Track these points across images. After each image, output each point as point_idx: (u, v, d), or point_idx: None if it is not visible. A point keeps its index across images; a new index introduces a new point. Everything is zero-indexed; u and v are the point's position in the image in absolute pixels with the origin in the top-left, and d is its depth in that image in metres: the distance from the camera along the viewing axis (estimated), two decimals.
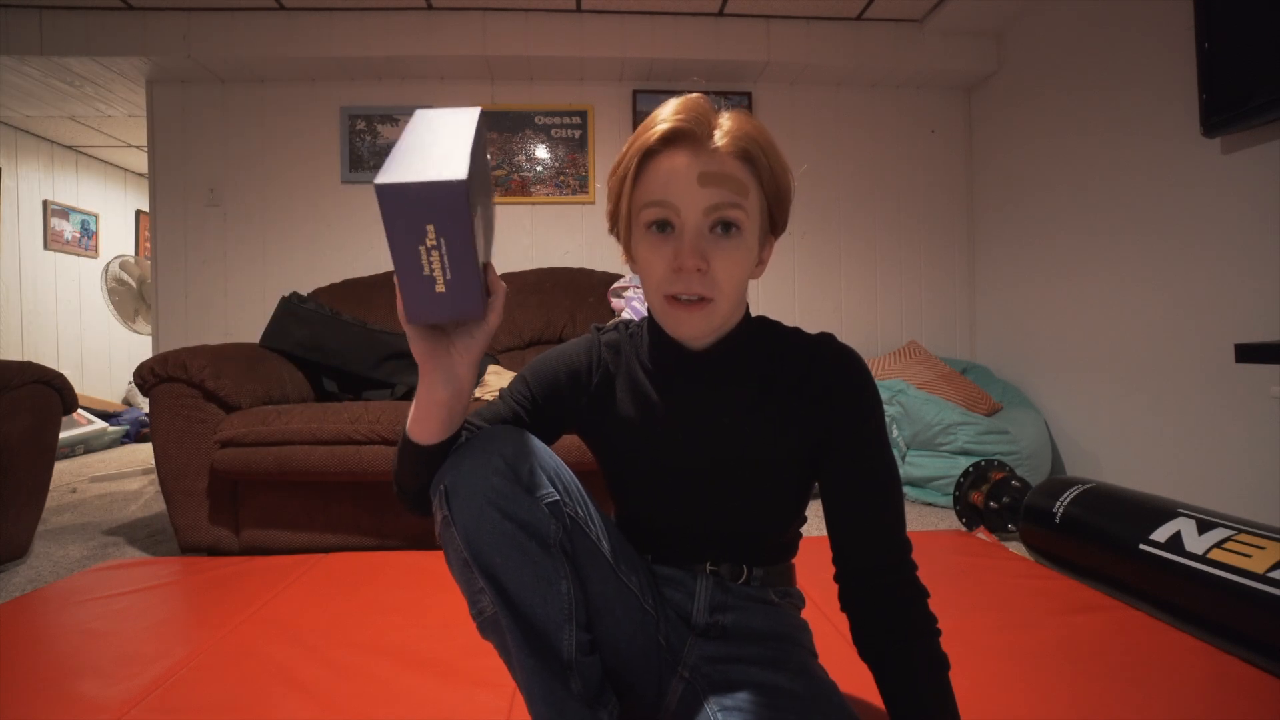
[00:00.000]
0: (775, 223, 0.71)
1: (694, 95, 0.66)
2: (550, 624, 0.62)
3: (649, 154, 0.65)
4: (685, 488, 0.73)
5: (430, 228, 0.49)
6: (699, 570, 0.76)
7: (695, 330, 0.67)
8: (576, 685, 0.63)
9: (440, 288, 0.52)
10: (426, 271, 0.51)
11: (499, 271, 2.42)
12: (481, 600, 0.64)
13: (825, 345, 0.72)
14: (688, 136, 0.64)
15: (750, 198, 0.65)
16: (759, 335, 0.74)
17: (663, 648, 0.72)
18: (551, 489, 0.63)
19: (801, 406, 0.71)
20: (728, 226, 0.64)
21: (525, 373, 0.76)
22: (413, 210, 0.49)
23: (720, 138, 0.64)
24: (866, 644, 0.69)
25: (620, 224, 0.69)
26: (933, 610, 0.68)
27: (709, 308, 0.65)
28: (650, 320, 0.75)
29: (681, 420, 0.72)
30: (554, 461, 0.66)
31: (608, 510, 0.80)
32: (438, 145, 0.53)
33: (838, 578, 0.72)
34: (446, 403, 0.62)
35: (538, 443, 0.66)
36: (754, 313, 0.75)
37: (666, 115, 0.64)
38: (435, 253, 0.50)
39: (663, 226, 0.65)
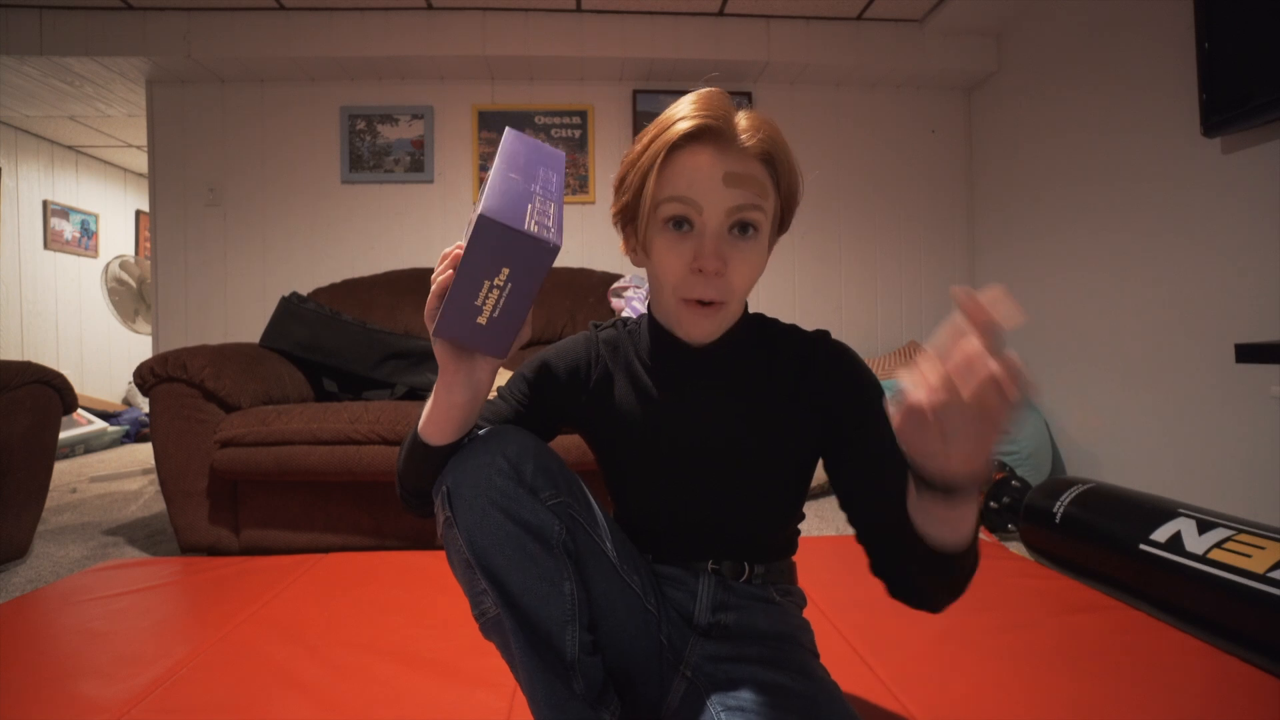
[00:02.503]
0: (784, 223, 0.71)
1: (713, 90, 0.66)
2: (553, 625, 0.62)
3: (673, 149, 0.64)
4: (685, 484, 0.73)
5: (506, 271, 0.53)
6: (700, 569, 0.76)
7: (705, 333, 0.67)
8: (579, 686, 0.63)
9: (482, 320, 0.55)
10: (479, 302, 0.54)
11: None
12: (484, 601, 0.64)
13: (822, 340, 0.73)
14: (713, 134, 0.63)
15: (769, 199, 0.66)
16: (757, 331, 0.74)
17: (665, 647, 0.72)
18: (555, 490, 0.63)
19: (800, 400, 0.71)
20: (746, 228, 0.64)
21: (524, 370, 0.76)
22: (502, 250, 0.52)
23: (744, 138, 0.64)
24: (896, 564, 0.65)
25: (641, 218, 0.67)
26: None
27: (721, 311, 0.65)
28: (650, 318, 0.75)
29: (681, 416, 0.72)
30: (557, 462, 0.66)
31: (607, 510, 0.80)
32: (540, 196, 0.56)
33: (864, 542, 0.69)
34: (464, 406, 0.62)
35: (541, 443, 0.66)
36: (753, 311, 0.75)
37: (690, 111, 0.63)
38: (496, 291, 0.54)
39: (680, 224, 0.64)
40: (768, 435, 0.71)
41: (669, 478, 0.74)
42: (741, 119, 0.65)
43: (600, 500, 0.72)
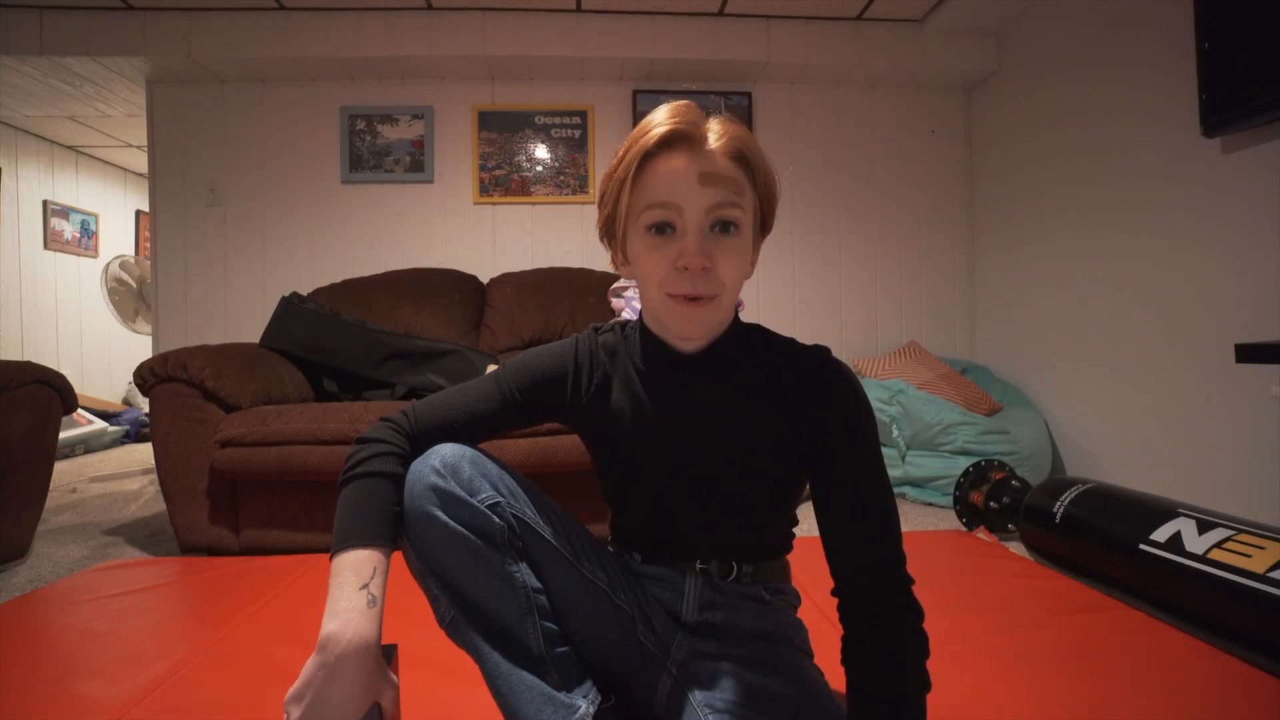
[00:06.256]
0: (765, 223, 0.72)
1: (684, 101, 0.67)
2: (512, 619, 0.65)
3: (647, 157, 0.66)
4: (672, 486, 0.74)
5: None
6: (688, 568, 0.76)
7: (699, 327, 0.67)
8: (553, 678, 0.64)
9: None
10: None
11: (498, 270, 2.41)
12: (440, 605, 0.67)
13: (817, 357, 0.71)
14: (685, 138, 0.65)
15: (746, 197, 0.67)
16: (748, 339, 0.74)
17: (646, 645, 0.72)
18: (493, 491, 0.66)
19: (787, 410, 0.70)
20: (727, 225, 0.65)
21: (523, 364, 0.76)
22: None
23: (715, 140, 0.65)
24: (850, 657, 0.67)
25: (618, 228, 0.70)
26: (931, 611, 0.68)
27: (712, 305, 0.66)
28: (642, 323, 0.75)
29: (669, 420, 0.73)
30: (496, 469, 0.68)
31: (602, 514, 0.81)
32: None
33: (834, 593, 0.71)
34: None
35: (477, 452, 0.69)
36: (754, 312, 0.75)
37: (661, 119, 0.65)
38: None
39: (663, 228, 0.65)
40: (751, 440, 0.71)
41: (656, 480, 0.74)
42: (712, 124, 0.67)
43: (597, 508, 0.73)
